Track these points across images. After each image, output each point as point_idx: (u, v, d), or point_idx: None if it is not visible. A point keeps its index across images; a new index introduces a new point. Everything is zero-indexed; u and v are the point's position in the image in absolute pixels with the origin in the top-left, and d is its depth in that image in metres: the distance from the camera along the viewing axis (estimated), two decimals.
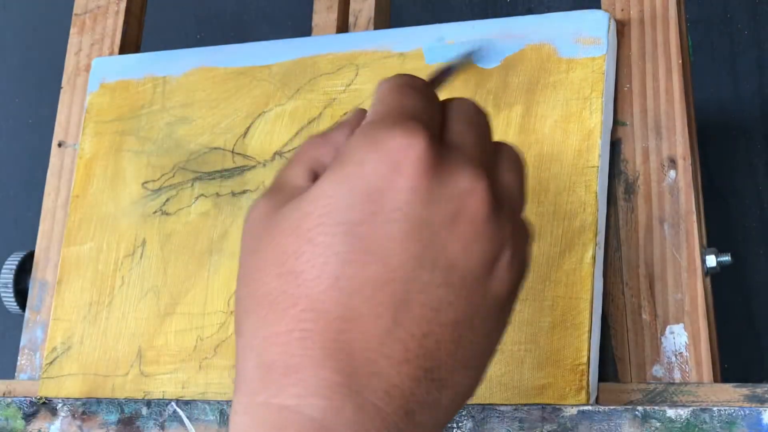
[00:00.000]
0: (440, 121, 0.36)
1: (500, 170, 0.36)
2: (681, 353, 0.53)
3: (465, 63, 0.45)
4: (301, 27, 0.75)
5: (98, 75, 0.70)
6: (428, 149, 0.33)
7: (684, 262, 0.55)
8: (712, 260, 0.55)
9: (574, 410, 0.49)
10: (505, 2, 1.34)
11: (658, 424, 0.48)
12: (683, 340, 0.53)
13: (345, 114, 0.39)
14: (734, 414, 0.47)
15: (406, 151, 0.33)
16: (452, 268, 0.33)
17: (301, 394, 0.32)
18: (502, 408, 0.50)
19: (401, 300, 0.32)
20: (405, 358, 0.32)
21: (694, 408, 0.48)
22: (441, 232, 0.33)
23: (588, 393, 0.51)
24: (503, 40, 0.60)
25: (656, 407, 0.48)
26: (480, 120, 0.37)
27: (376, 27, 0.68)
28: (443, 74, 0.44)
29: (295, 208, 0.34)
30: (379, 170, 0.33)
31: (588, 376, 0.51)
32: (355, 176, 0.33)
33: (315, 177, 0.36)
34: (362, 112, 0.38)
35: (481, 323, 0.34)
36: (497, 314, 0.35)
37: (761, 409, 0.47)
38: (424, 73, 0.60)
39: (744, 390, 0.49)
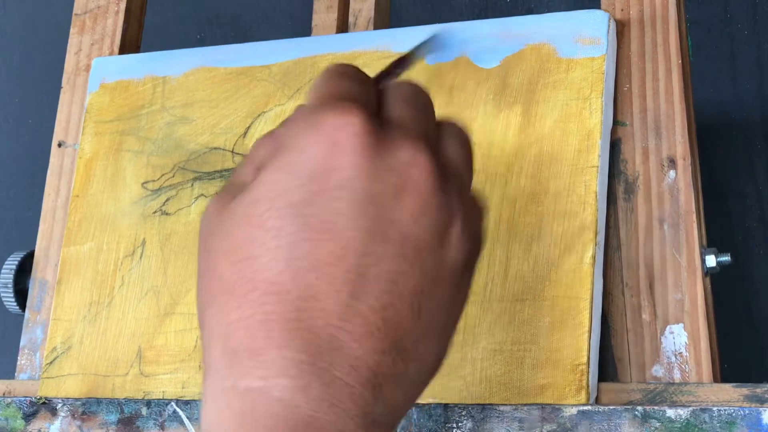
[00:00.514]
0: (377, 103, 0.37)
1: (444, 145, 0.37)
2: (681, 353, 0.53)
3: (419, 55, 0.45)
4: (301, 27, 0.75)
5: (98, 75, 0.70)
6: (364, 125, 0.34)
7: (684, 262, 0.55)
8: (711, 260, 0.55)
9: (573, 410, 0.49)
10: (505, 2, 1.34)
11: (657, 424, 0.48)
12: (683, 340, 0.53)
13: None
14: (734, 414, 0.47)
15: (342, 129, 0.34)
16: (404, 239, 0.34)
17: (267, 375, 0.32)
18: (501, 408, 0.50)
19: (357, 274, 0.33)
20: (367, 332, 0.33)
21: (694, 408, 0.48)
22: (388, 204, 0.34)
23: (588, 393, 0.51)
24: (503, 40, 0.60)
25: (656, 407, 0.48)
26: (419, 99, 0.38)
27: (376, 27, 0.68)
28: (396, 66, 0.44)
29: (243, 198, 0.35)
30: (319, 151, 0.33)
31: (588, 376, 0.51)
32: (297, 159, 0.34)
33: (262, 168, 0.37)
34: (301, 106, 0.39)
35: (439, 292, 0.35)
36: (454, 284, 0.36)
37: (761, 409, 0.47)
38: (425, 73, 0.61)
39: (744, 390, 0.49)
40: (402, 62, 0.45)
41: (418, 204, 0.34)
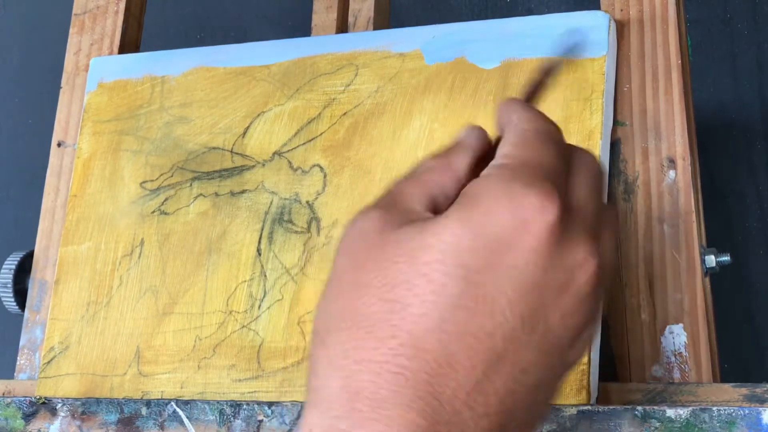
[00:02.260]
0: (566, 177, 0.36)
1: (603, 239, 0.36)
2: (680, 353, 0.53)
3: (562, 63, 0.44)
4: (301, 27, 0.75)
5: (96, 74, 0.69)
6: (559, 216, 0.33)
7: (683, 262, 0.55)
8: (711, 260, 0.55)
9: (573, 410, 0.49)
10: (505, 2, 1.34)
11: (657, 424, 0.48)
12: (683, 340, 0.53)
13: (462, 132, 0.39)
14: (734, 414, 0.47)
15: (539, 213, 0.33)
16: (547, 335, 0.34)
17: (384, 431, 0.32)
18: None
19: (497, 355, 0.33)
20: (485, 413, 0.33)
21: (694, 408, 0.47)
22: (548, 298, 0.33)
23: (589, 393, 0.51)
24: (503, 40, 0.60)
25: (656, 407, 0.48)
26: (599, 183, 0.38)
27: (376, 27, 0.68)
28: (543, 79, 0.43)
29: (414, 235, 0.34)
30: (509, 224, 0.33)
31: (589, 375, 0.51)
32: (484, 223, 0.33)
33: (432, 204, 0.36)
34: (480, 134, 0.38)
35: (554, 386, 0.35)
36: (563, 379, 0.36)
37: (761, 409, 0.47)
38: (425, 73, 0.60)
39: (743, 390, 0.49)
40: (550, 70, 0.44)
41: (573, 305, 0.34)
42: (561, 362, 0.35)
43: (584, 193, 0.36)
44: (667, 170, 0.57)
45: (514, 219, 0.33)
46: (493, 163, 0.35)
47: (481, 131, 0.38)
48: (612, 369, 0.54)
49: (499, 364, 0.33)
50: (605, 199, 0.38)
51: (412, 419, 0.31)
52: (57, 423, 0.59)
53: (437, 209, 0.35)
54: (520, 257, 0.33)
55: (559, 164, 0.36)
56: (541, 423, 0.37)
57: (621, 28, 0.60)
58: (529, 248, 0.33)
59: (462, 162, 0.37)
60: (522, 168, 0.35)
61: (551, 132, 0.37)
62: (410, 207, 0.35)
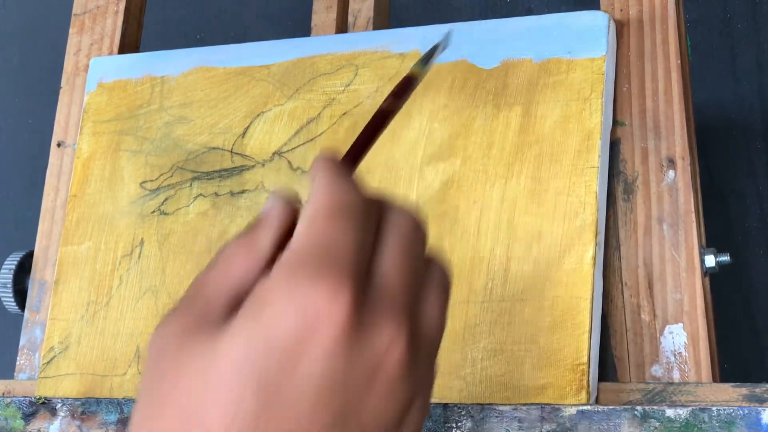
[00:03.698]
0: (372, 248, 0.34)
1: (425, 303, 0.35)
2: (680, 353, 0.53)
3: (431, 61, 0.45)
4: (301, 27, 0.75)
5: (96, 74, 0.69)
6: (350, 309, 0.31)
7: (683, 262, 0.55)
8: (710, 260, 0.55)
9: (573, 410, 0.49)
10: (505, 2, 1.34)
11: (657, 424, 0.48)
12: (682, 340, 0.53)
13: (272, 192, 0.36)
14: (733, 414, 0.47)
15: (326, 313, 0.31)
16: (363, 427, 0.32)
17: None
18: (501, 408, 0.50)
19: None
20: None
21: (693, 408, 0.48)
22: (356, 393, 0.32)
23: (588, 393, 0.51)
24: (503, 41, 0.60)
25: (655, 407, 0.48)
26: (415, 241, 0.35)
27: (375, 27, 0.68)
28: (421, 66, 0.44)
29: (208, 346, 0.32)
30: (296, 331, 0.31)
31: (588, 375, 0.51)
32: (272, 331, 0.31)
33: (236, 296, 0.33)
34: (282, 207, 0.35)
35: None
36: None
37: (760, 408, 0.47)
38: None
39: (743, 390, 0.49)
40: (423, 62, 0.44)
41: (386, 391, 0.32)
42: None
43: (392, 261, 0.34)
44: (666, 170, 0.57)
45: (300, 324, 0.31)
46: (283, 253, 0.33)
47: (285, 202, 0.35)
48: (612, 369, 0.54)
49: None
50: (423, 258, 0.35)
51: None
52: (57, 423, 0.59)
53: (240, 301, 0.33)
54: (314, 365, 0.31)
55: (355, 239, 0.33)
56: None
57: (621, 28, 0.60)
58: (321, 355, 0.31)
59: (265, 241, 0.34)
60: (308, 257, 0.32)
61: (347, 203, 0.34)
62: (210, 306, 0.33)
